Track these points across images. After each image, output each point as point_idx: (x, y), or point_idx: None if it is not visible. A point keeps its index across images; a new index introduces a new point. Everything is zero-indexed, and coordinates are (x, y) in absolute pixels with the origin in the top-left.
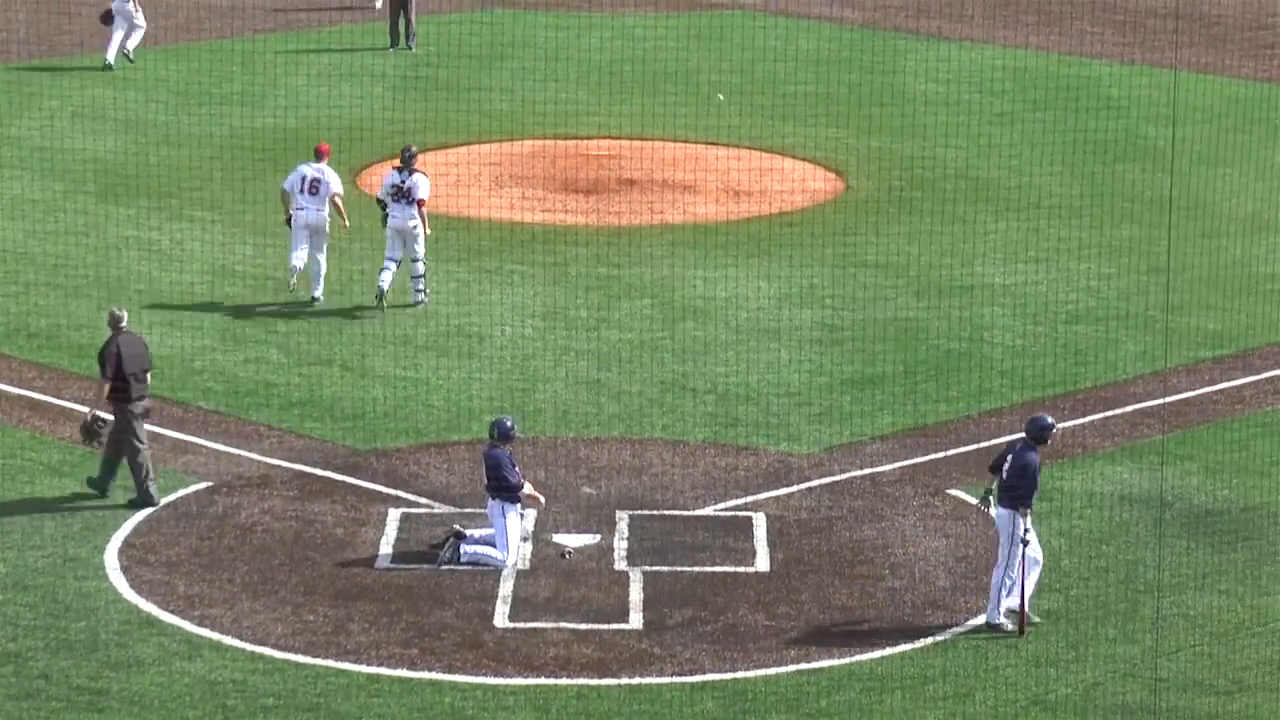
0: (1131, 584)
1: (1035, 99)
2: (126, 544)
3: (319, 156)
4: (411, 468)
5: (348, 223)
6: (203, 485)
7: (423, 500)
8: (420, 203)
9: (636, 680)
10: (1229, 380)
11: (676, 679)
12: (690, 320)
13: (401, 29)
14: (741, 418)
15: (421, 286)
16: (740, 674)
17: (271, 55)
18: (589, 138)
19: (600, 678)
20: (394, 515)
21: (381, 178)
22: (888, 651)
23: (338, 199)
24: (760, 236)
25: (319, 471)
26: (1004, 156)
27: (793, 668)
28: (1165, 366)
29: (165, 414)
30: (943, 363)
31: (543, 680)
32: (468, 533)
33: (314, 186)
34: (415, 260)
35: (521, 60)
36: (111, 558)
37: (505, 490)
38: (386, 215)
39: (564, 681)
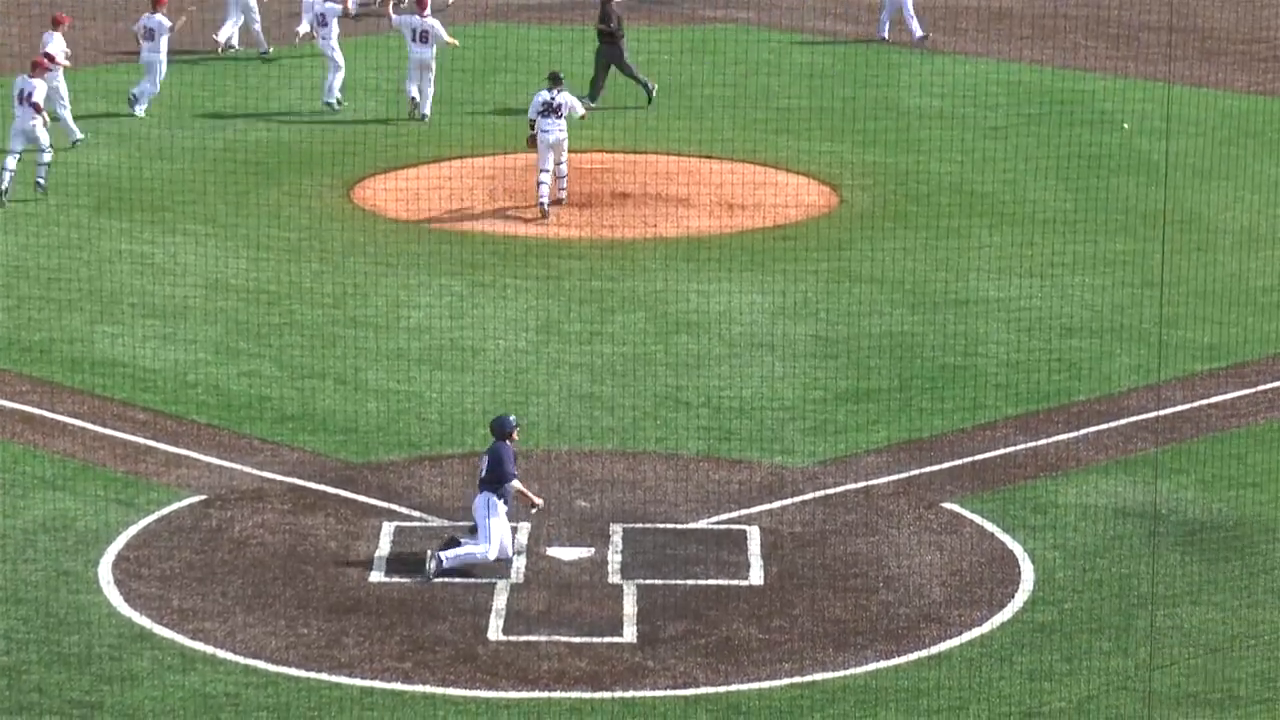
0: (1125, 597)
1: (1030, 113)
2: (120, 557)
3: (421, 7)
4: (405, 481)
5: (456, 42)
6: (197, 499)
7: (416, 514)
8: (583, 115)
9: (630, 694)
10: (1223, 393)
11: (670, 692)
12: (684, 333)
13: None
14: (735, 431)
15: (564, 185)
16: (734, 687)
17: (265, 68)
18: (583, 151)
19: (594, 691)
20: (388, 529)
21: (376, 191)
22: (881, 665)
23: (444, 42)
24: (754, 250)
25: (313, 485)
26: (998, 170)
27: (786, 681)
28: (1159, 380)
29: (159, 427)
30: (937, 376)
31: (536, 694)
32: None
33: (424, 36)
34: (560, 164)
35: (515, 74)
36: (105, 571)
37: (497, 483)
38: (533, 135)
39: (558, 695)
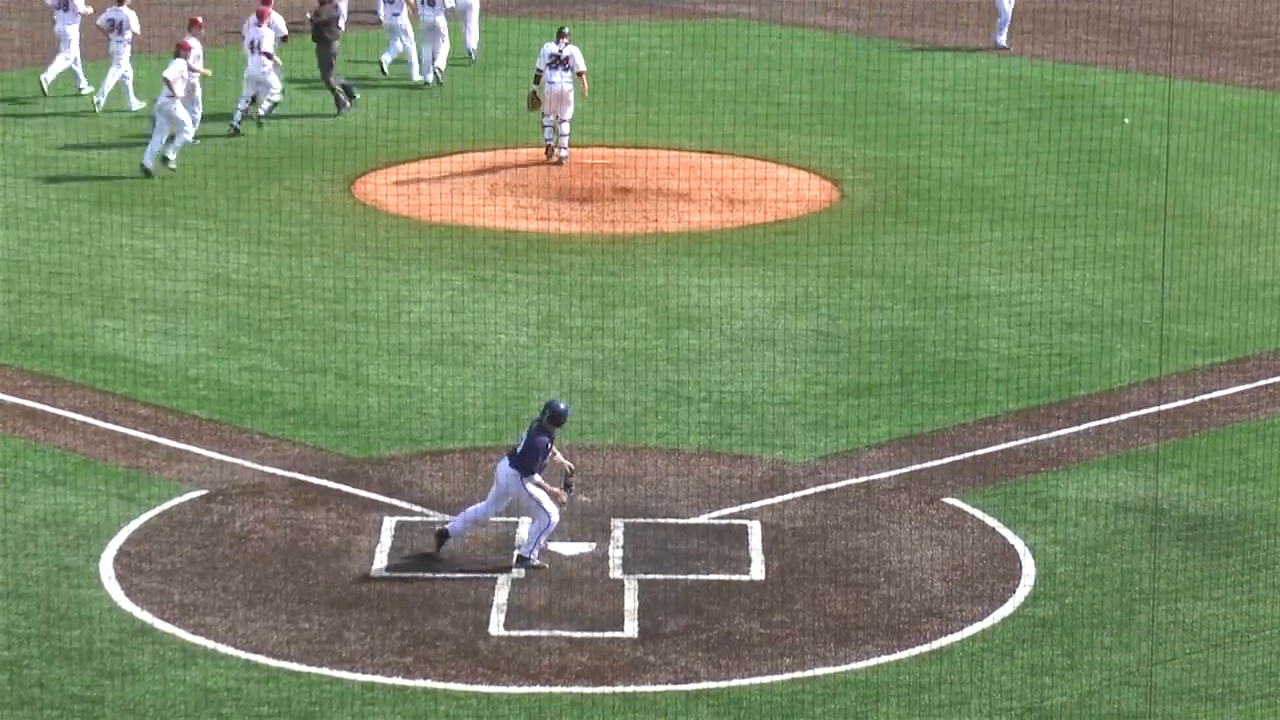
0: (1127, 592)
1: (1030, 107)
2: (121, 552)
3: None
4: (407, 476)
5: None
6: (198, 493)
7: (418, 509)
8: (581, 74)
9: (631, 688)
10: (1224, 388)
11: (671, 687)
12: (685, 329)
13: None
14: (737, 426)
15: (566, 144)
16: (735, 682)
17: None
18: (584, 146)
19: (595, 686)
20: (389, 524)
21: (377, 185)
22: (883, 660)
23: (452, 7)
24: (756, 245)
25: (314, 480)
26: (999, 165)
27: (787, 676)
28: (1160, 374)
29: (160, 422)
30: (938, 371)
31: (538, 688)
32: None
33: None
34: (564, 120)
35: (516, 69)
36: (106, 566)
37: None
38: (535, 88)
39: (559, 690)
